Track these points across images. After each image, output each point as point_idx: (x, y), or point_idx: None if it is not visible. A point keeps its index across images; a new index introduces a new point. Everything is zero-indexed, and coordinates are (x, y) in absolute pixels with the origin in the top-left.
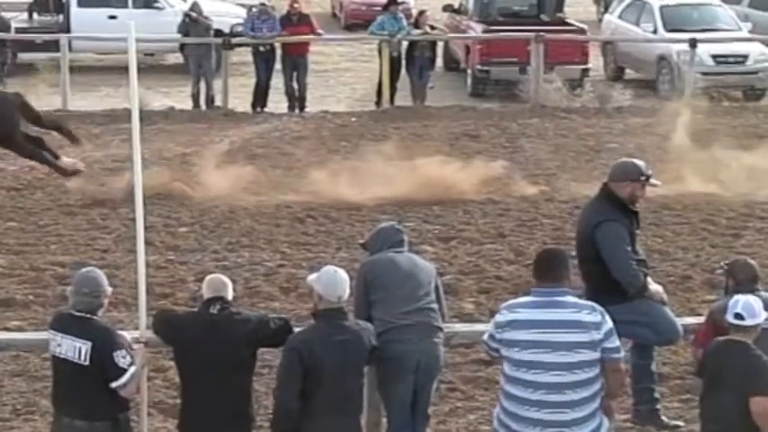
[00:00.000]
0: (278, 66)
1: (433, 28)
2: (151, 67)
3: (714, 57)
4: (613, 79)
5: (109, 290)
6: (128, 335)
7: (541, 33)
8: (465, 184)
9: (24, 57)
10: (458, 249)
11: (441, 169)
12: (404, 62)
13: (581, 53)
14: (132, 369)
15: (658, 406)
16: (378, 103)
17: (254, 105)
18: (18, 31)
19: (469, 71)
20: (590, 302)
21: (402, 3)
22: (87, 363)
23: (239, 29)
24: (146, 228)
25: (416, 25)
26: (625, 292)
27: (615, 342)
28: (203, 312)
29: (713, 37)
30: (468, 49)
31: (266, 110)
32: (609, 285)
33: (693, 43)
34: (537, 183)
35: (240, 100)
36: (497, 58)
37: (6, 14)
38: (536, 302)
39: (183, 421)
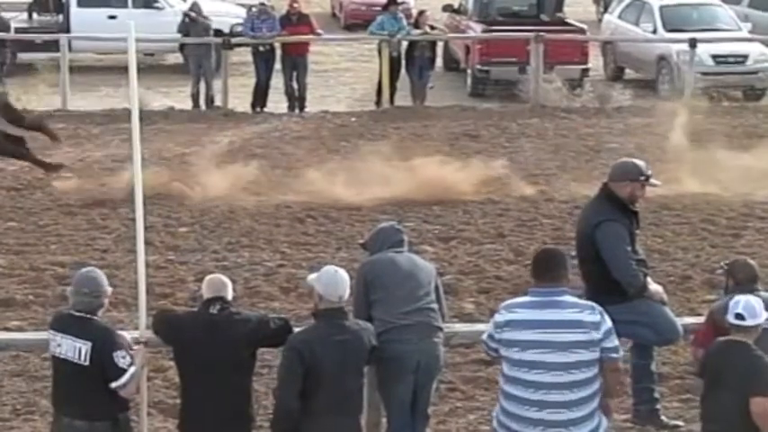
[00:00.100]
0: (278, 66)
1: (432, 28)
2: (151, 67)
3: (714, 57)
4: (613, 79)
5: (109, 290)
6: (128, 335)
7: (541, 33)
8: (465, 184)
9: (24, 57)
10: (458, 249)
11: (440, 169)
12: (404, 62)
13: (581, 53)
14: (132, 369)
15: (658, 406)
16: (378, 103)
17: (253, 105)
18: (18, 31)
19: (469, 71)
20: (589, 302)
21: (402, 3)
22: (87, 363)
23: (239, 29)
24: (146, 228)
25: (416, 25)
26: (625, 292)
27: (614, 342)
28: (203, 312)
29: (713, 37)
30: (467, 49)
31: (266, 110)
32: (609, 285)
33: (693, 43)
34: (537, 183)
35: (240, 100)
36: (497, 58)
37: (6, 14)
38: (534, 302)
39: (182, 421)
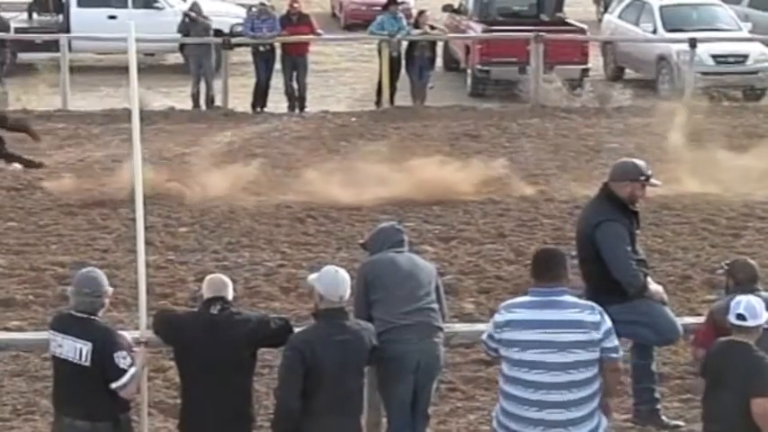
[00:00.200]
0: (278, 66)
1: (432, 28)
2: (151, 67)
3: (714, 57)
4: (613, 79)
5: (110, 290)
6: (128, 335)
7: (541, 33)
8: (465, 184)
9: (24, 57)
10: (458, 249)
11: (441, 169)
12: (404, 62)
13: (581, 53)
14: (132, 370)
15: (658, 406)
16: (378, 103)
17: (254, 105)
18: (18, 31)
19: (469, 71)
20: (588, 302)
21: (402, 3)
22: (88, 363)
23: (239, 29)
24: (146, 228)
25: (416, 25)
26: (625, 292)
27: (614, 341)
28: (203, 312)
29: (713, 37)
30: (467, 49)
31: (266, 110)
32: (609, 285)
33: (693, 43)
34: (537, 183)
35: (240, 100)
36: (497, 58)
37: (6, 14)
38: (534, 302)
39: (183, 421)
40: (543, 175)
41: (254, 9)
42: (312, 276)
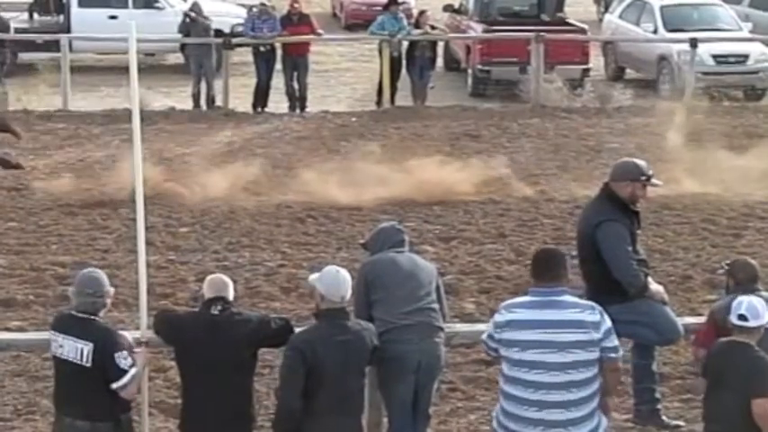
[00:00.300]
0: (278, 66)
1: (433, 28)
2: (151, 67)
3: (714, 57)
4: (614, 79)
5: (111, 290)
6: (129, 335)
7: (542, 33)
8: (466, 184)
9: (25, 57)
10: (458, 249)
11: (441, 169)
12: (404, 62)
13: (581, 53)
14: (133, 370)
15: (659, 406)
16: (378, 103)
17: (254, 105)
18: (18, 31)
19: (470, 71)
20: (588, 302)
21: (402, 3)
22: (89, 364)
23: (240, 29)
24: (146, 228)
25: (417, 25)
26: (626, 292)
27: (614, 341)
28: (204, 312)
29: (714, 37)
30: (468, 49)
31: (267, 110)
32: (609, 285)
33: (694, 43)
34: (537, 183)
35: (241, 100)
36: (498, 58)
37: (6, 14)
38: (534, 302)
39: (183, 421)
40: (544, 175)
41: (254, 9)
42: (313, 276)
